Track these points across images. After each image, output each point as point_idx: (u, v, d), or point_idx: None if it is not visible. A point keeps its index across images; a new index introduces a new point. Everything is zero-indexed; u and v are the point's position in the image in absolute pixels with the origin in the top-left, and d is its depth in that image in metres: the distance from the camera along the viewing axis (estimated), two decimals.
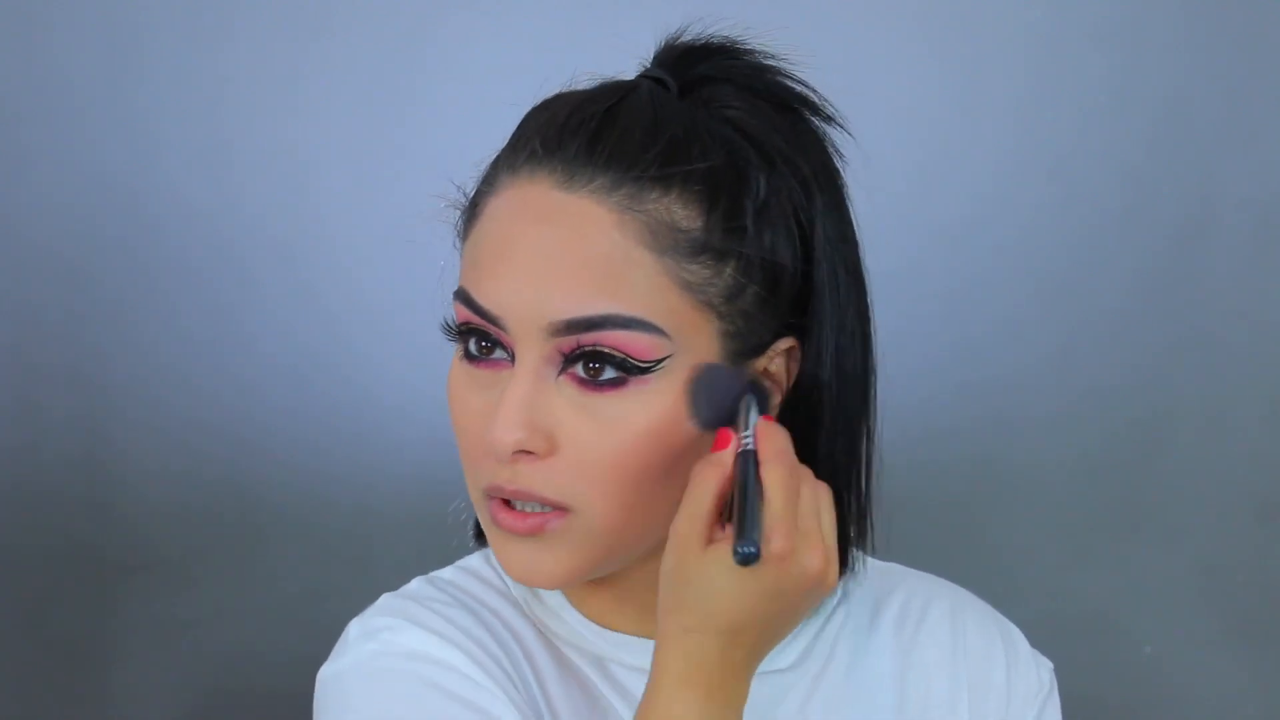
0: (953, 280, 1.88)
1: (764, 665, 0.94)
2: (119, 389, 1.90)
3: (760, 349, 0.89)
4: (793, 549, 0.81)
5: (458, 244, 0.92)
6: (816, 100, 0.95)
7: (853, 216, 0.93)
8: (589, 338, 0.84)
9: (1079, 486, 1.91)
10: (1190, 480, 1.91)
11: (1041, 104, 1.87)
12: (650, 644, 0.94)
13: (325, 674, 0.92)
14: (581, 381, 0.85)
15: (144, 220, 1.88)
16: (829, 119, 0.94)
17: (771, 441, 0.84)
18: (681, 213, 0.86)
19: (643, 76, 0.91)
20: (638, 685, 0.92)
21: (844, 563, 0.95)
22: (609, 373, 0.85)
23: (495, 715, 0.87)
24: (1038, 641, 1.01)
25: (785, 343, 0.90)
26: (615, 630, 0.96)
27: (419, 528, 1.30)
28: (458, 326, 0.88)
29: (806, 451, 0.89)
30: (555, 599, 0.96)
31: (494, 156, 0.91)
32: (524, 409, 0.85)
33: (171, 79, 1.87)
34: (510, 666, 0.92)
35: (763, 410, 0.86)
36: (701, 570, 0.81)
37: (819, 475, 0.87)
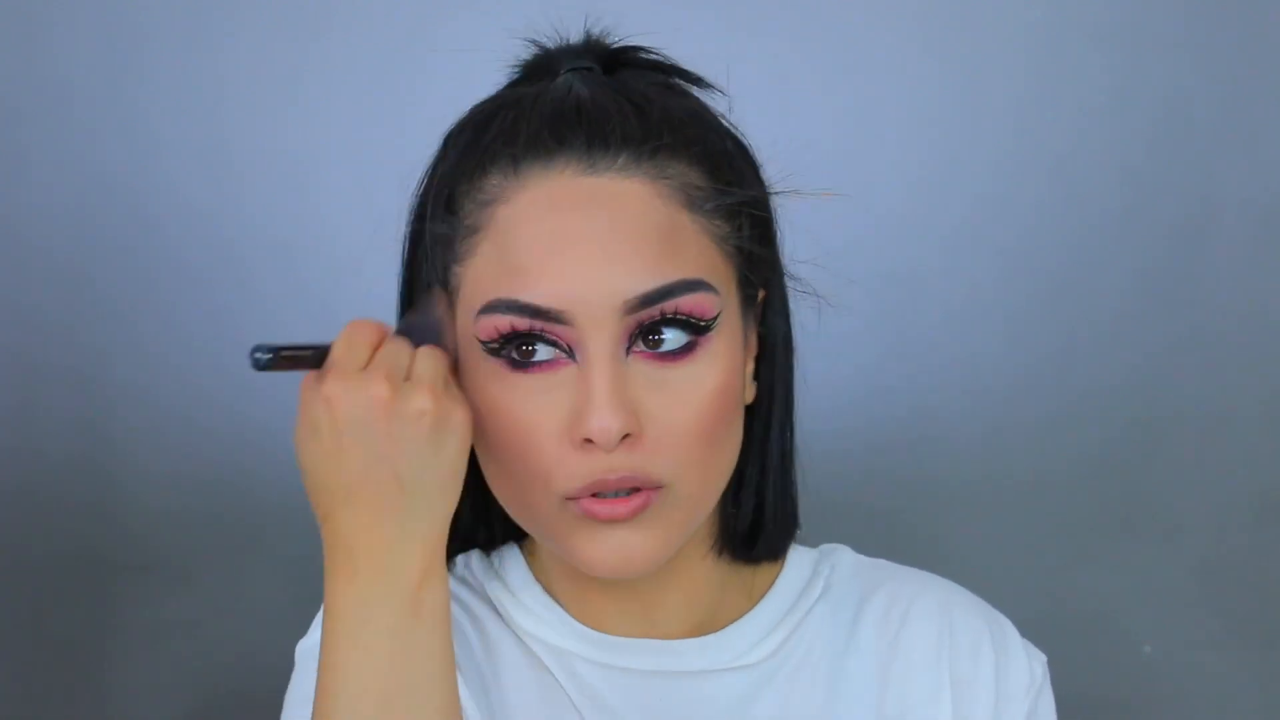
0: (952, 280, 1.88)
1: (734, 660, 0.95)
2: (119, 389, 1.90)
3: (755, 297, 0.92)
4: (350, 387, 0.83)
5: (439, 272, 0.91)
6: (703, 77, 0.97)
7: None
8: (667, 305, 0.85)
9: (1079, 486, 1.91)
10: (1190, 480, 1.91)
11: (1041, 104, 1.87)
12: (654, 644, 0.94)
13: (296, 650, 0.98)
14: (652, 356, 0.86)
15: (144, 220, 1.88)
16: (709, 87, 0.97)
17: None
18: (695, 174, 0.88)
19: (567, 69, 0.93)
20: (614, 686, 0.93)
21: (769, 533, 0.96)
22: (672, 340, 0.86)
23: None
24: (1037, 641, 1.01)
25: (760, 293, 0.93)
26: (614, 634, 0.96)
27: None
28: (498, 339, 0.86)
29: (765, 406, 0.92)
30: (543, 607, 0.97)
31: (427, 183, 0.93)
32: (619, 393, 0.84)
33: (172, 79, 1.87)
34: (462, 654, 0.92)
35: (419, 339, 0.88)
36: (300, 438, 0.87)
37: (769, 439, 0.92)
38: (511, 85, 0.97)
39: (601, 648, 0.95)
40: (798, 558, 1.01)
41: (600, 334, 0.85)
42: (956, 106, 1.88)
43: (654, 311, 0.85)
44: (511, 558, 1.00)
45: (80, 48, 1.86)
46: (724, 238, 0.89)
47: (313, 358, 0.86)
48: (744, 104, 0.96)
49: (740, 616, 0.97)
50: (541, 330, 0.85)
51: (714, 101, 0.96)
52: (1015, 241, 1.89)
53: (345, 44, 1.86)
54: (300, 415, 0.84)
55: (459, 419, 0.84)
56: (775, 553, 0.99)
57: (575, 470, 0.86)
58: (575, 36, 0.95)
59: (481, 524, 0.98)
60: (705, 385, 0.86)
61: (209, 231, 1.88)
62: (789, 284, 0.96)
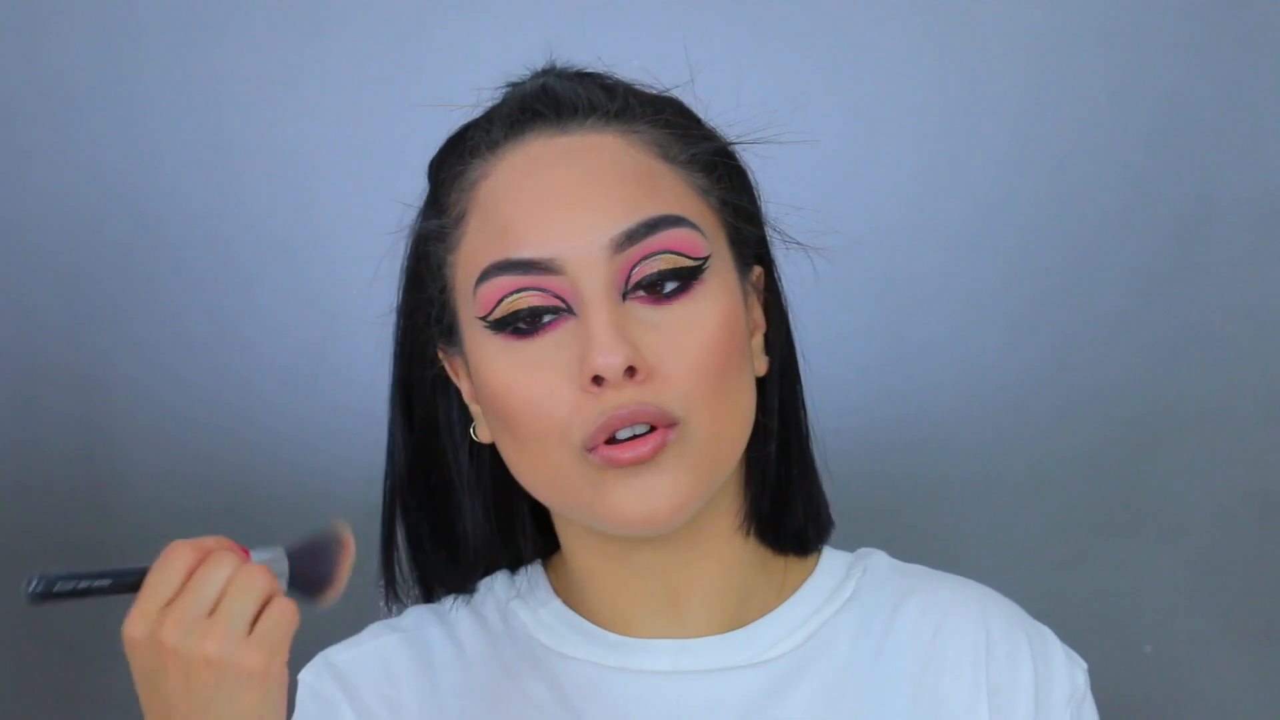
0: (952, 280, 1.88)
1: (753, 657, 0.95)
2: (119, 389, 1.90)
3: (749, 263, 0.94)
4: (144, 630, 0.79)
5: (441, 272, 0.92)
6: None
7: None
8: (653, 241, 0.87)
9: (1079, 486, 1.91)
10: (1190, 479, 1.91)
11: (1041, 104, 1.87)
12: (675, 644, 0.94)
13: None
14: (648, 299, 0.87)
15: (144, 220, 1.88)
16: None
17: (200, 540, 0.83)
18: (665, 133, 0.91)
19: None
20: (628, 690, 0.93)
21: (823, 522, 0.97)
22: (669, 284, 0.87)
23: None
24: None
25: (756, 270, 0.94)
26: (640, 637, 0.96)
27: None
28: (497, 306, 0.88)
29: (774, 377, 0.93)
30: (561, 620, 0.97)
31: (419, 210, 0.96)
32: (618, 327, 0.86)
33: (171, 79, 1.87)
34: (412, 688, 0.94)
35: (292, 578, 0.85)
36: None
37: (783, 428, 0.92)
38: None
39: (621, 652, 0.95)
40: (830, 560, 1.01)
41: (592, 276, 0.86)
42: (956, 106, 1.87)
43: (642, 248, 0.87)
44: (534, 575, 1.01)
45: (79, 48, 1.86)
46: (705, 190, 0.91)
47: (110, 584, 0.83)
48: (743, 104, 0.96)
49: (767, 613, 0.98)
50: (537, 285, 0.86)
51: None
52: (1015, 242, 1.88)
53: (345, 44, 1.86)
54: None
55: (250, 669, 0.80)
56: (804, 544, 1.00)
57: (589, 415, 0.86)
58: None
59: (507, 544, 0.99)
60: (706, 323, 0.88)
61: (209, 231, 1.88)
62: (775, 237, 0.98)
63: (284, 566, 0.85)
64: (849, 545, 1.04)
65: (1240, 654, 1.89)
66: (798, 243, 0.98)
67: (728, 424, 0.90)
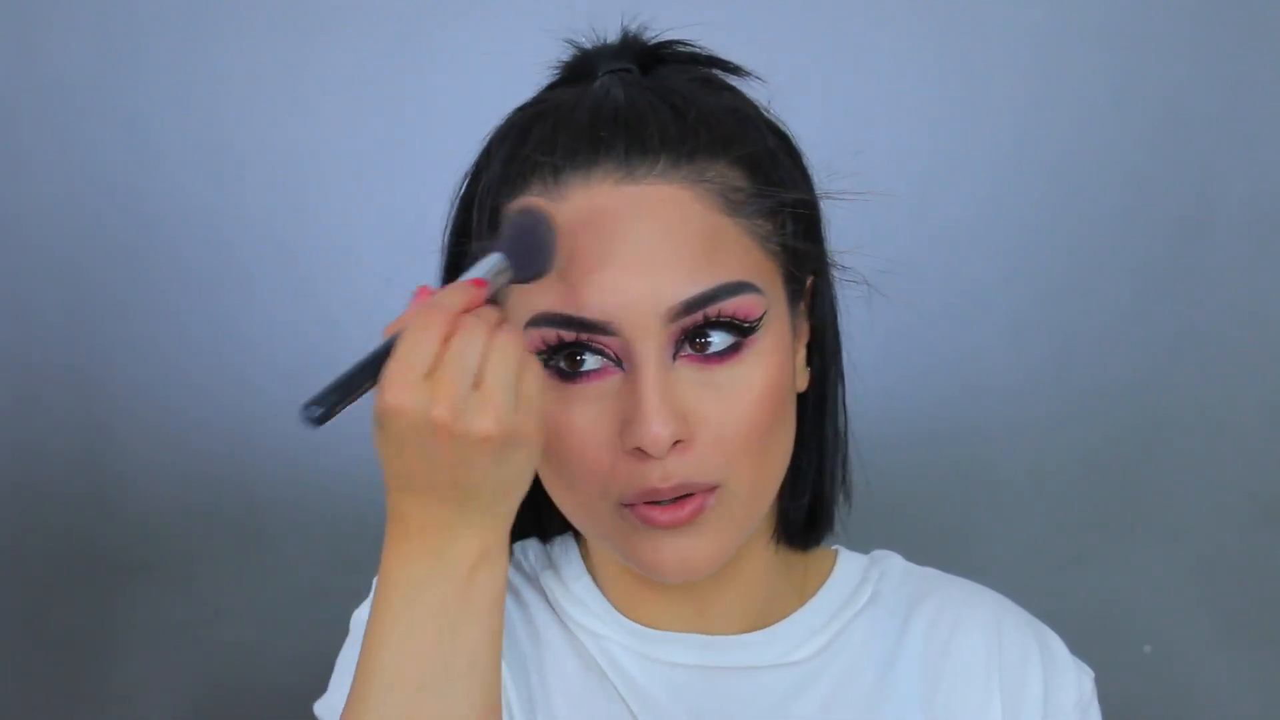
0: (952, 280, 1.88)
1: (779, 657, 0.95)
2: (119, 388, 1.90)
3: (802, 287, 0.93)
4: (412, 403, 0.77)
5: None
6: (741, 66, 0.97)
7: None
8: (711, 310, 0.85)
9: (1079, 486, 1.91)
10: (1190, 480, 1.91)
11: (1041, 104, 1.87)
12: (699, 639, 0.95)
13: (351, 618, 0.98)
14: (698, 359, 0.86)
15: (144, 220, 1.88)
16: (748, 75, 0.98)
17: (436, 296, 0.80)
18: (735, 174, 0.89)
19: (605, 71, 0.93)
20: (657, 679, 0.93)
21: (826, 517, 0.97)
22: (719, 342, 0.86)
23: None
24: None
25: (809, 279, 0.94)
26: (662, 629, 0.96)
27: None
28: (546, 350, 0.86)
29: (817, 392, 0.93)
30: (593, 600, 0.97)
31: (469, 190, 0.91)
32: (668, 400, 0.84)
33: (171, 78, 1.87)
34: (506, 638, 0.93)
35: (500, 279, 0.83)
36: (375, 428, 0.80)
37: (824, 424, 0.92)
38: (550, 88, 0.96)
39: (647, 641, 0.95)
40: (847, 563, 1.02)
41: (646, 342, 0.85)
42: (956, 106, 1.88)
43: (698, 316, 0.85)
44: (567, 549, 1.01)
45: (79, 47, 1.86)
46: (766, 237, 0.89)
47: (371, 376, 0.80)
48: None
49: (788, 615, 0.98)
50: (589, 341, 0.85)
51: (754, 92, 0.96)
52: (1015, 241, 1.89)
53: (345, 43, 1.86)
54: (374, 407, 0.81)
55: (526, 435, 0.80)
56: (821, 535, 1.00)
57: (629, 479, 0.86)
58: (612, 35, 0.95)
59: (540, 516, 0.99)
60: (754, 385, 0.87)
61: (209, 231, 1.88)
62: (835, 274, 0.97)
63: (504, 267, 0.83)
64: (848, 544, 1.04)
65: (1240, 654, 1.89)
66: (864, 281, 0.97)
67: (767, 477, 0.90)
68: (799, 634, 0.97)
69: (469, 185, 0.93)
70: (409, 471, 0.80)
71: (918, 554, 1.05)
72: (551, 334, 0.86)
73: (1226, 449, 1.90)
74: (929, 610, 0.99)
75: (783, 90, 0.95)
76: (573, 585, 0.98)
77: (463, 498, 0.80)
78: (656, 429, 0.83)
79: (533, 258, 0.84)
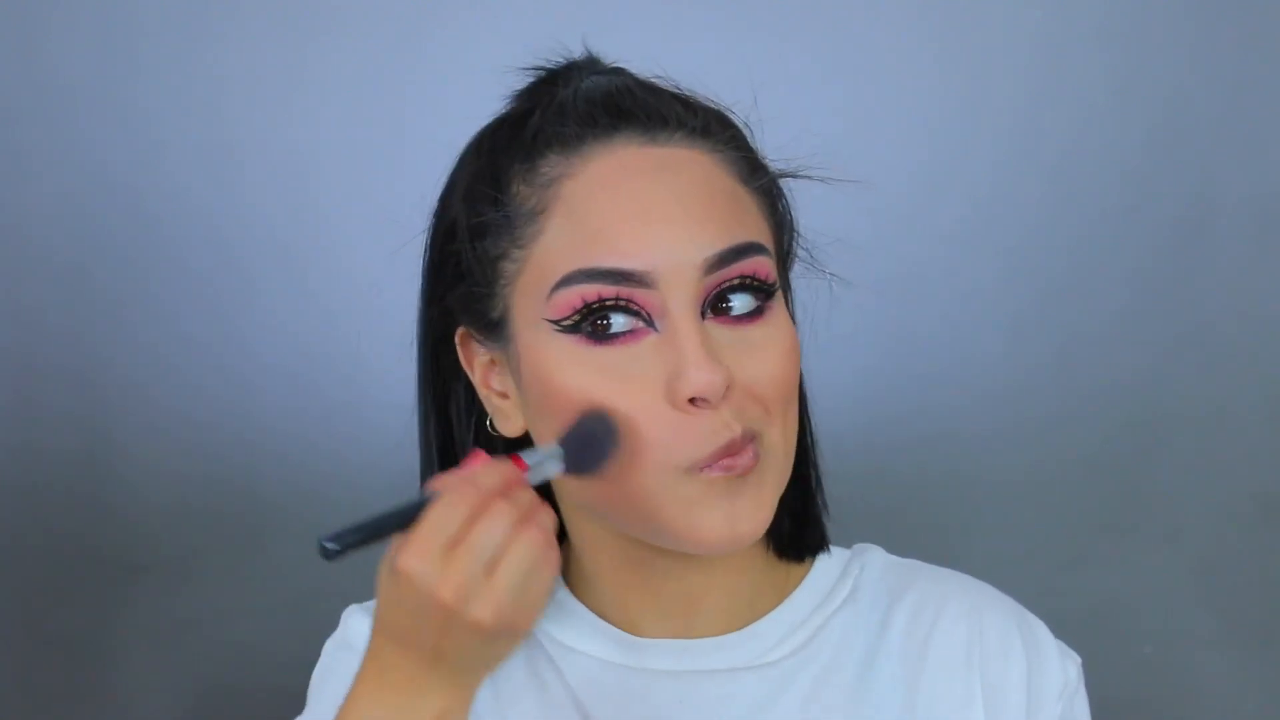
0: (952, 281, 1.88)
1: (755, 658, 0.95)
2: (119, 388, 1.90)
3: (786, 278, 0.95)
4: (423, 573, 0.79)
5: (497, 265, 0.90)
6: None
7: None
8: (742, 266, 0.86)
9: (1079, 487, 1.91)
10: (1190, 479, 1.91)
11: (1041, 104, 1.87)
12: (679, 644, 0.95)
13: (313, 675, 1.00)
14: (725, 320, 0.87)
15: (144, 220, 1.88)
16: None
17: (477, 472, 0.82)
18: (740, 156, 0.91)
19: (591, 75, 0.93)
20: (631, 688, 0.93)
21: (816, 539, 0.97)
22: (739, 306, 0.87)
23: None
24: None
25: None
26: (644, 635, 0.96)
27: None
28: (577, 312, 0.86)
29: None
30: (568, 613, 0.97)
31: (453, 186, 0.93)
32: (709, 347, 0.85)
33: (171, 79, 1.87)
34: None
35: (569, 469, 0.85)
36: (381, 571, 0.83)
37: (804, 422, 0.93)
38: (522, 96, 0.96)
39: (626, 649, 0.95)
40: (826, 558, 1.01)
41: (683, 294, 0.85)
42: (956, 106, 1.88)
43: (729, 272, 0.86)
44: None
45: (79, 47, 1.86)
46: (768, 208, 0.92)
47: (394, 529, 0.82)
48: (743, 103, 0.96)
49: (767, 614, 0.98)
50: (625, 297, 0.85)
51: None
52: (1015, 241, 1.89)
53: (345, 43, 1.86)
54: (388, 556, 0.83)
55: (518, 629, 0.82)
56: (816, 548, 1.00)
57: (698, 439, 0.85)
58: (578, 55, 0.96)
59: None
60: (782, 343, 0.88)
61: (209, 231, 1.88)
62: (809, 263, 0.98)
63: (558, 456, 0.85)
64: (849, 544, 1.04)
65: (1240, 654, 1.89)
66: (831, 274, 0.98)
67: (791, 442, 0.90)
68: (777, 633, 0.97)
69: (448, 187, 0.95)
70: (398, 623, 0.82)
71: (917, 554, 1.05)
72: (591, 290, 0.85)
73: (1227, 449, 1.90)
74: (910, 603, 0.99)
75: (782, 90, 0.95)
76: (549, 602, 0.97)
77: (437, 661, 0.82)
78: (709, 372, 0.84)
79: (590, 457, 0.85)
